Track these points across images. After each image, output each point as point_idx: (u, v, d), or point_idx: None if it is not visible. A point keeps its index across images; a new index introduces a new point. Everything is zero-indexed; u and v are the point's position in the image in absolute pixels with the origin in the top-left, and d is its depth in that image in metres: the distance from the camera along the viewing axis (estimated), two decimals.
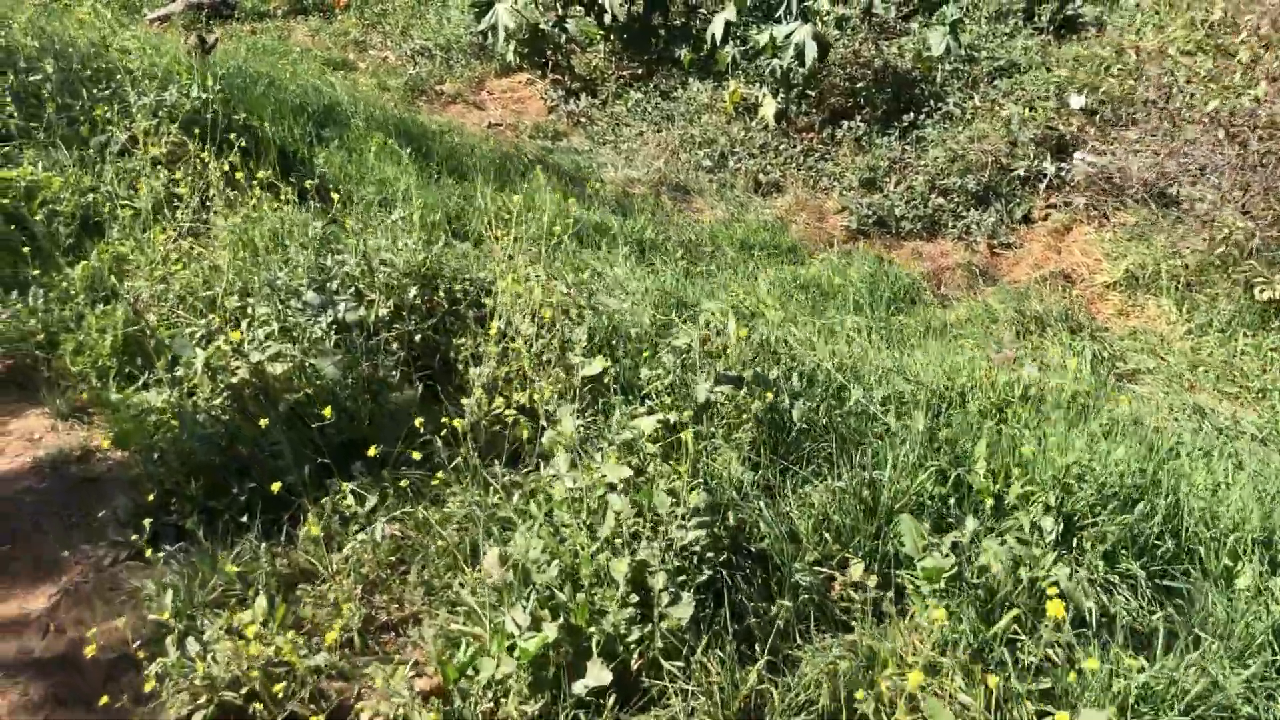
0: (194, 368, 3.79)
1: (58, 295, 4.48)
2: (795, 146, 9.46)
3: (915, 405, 4.09)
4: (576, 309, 4.29)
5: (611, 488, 3.04)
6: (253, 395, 3.80)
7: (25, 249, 4.82)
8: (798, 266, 7.57)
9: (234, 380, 3.80)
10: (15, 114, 5.60)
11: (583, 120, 10.54)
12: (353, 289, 4.21)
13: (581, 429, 3.51)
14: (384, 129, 7.76)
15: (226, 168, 5.65)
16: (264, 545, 3.33)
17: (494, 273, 4.40)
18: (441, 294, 4.33)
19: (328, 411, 3.59)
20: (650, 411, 3.61)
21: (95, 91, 6.35)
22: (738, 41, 10.28)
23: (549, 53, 11.19)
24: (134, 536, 3.47)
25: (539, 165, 8.56)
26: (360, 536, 3.27)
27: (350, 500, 3.41)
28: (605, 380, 3.88)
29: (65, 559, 3.42)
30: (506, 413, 3.77)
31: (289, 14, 13.19)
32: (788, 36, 9.14)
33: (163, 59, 8.21)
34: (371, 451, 3.48)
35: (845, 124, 9.56)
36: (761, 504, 3.22)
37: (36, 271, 4.64)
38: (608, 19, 10.60)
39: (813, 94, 9.75)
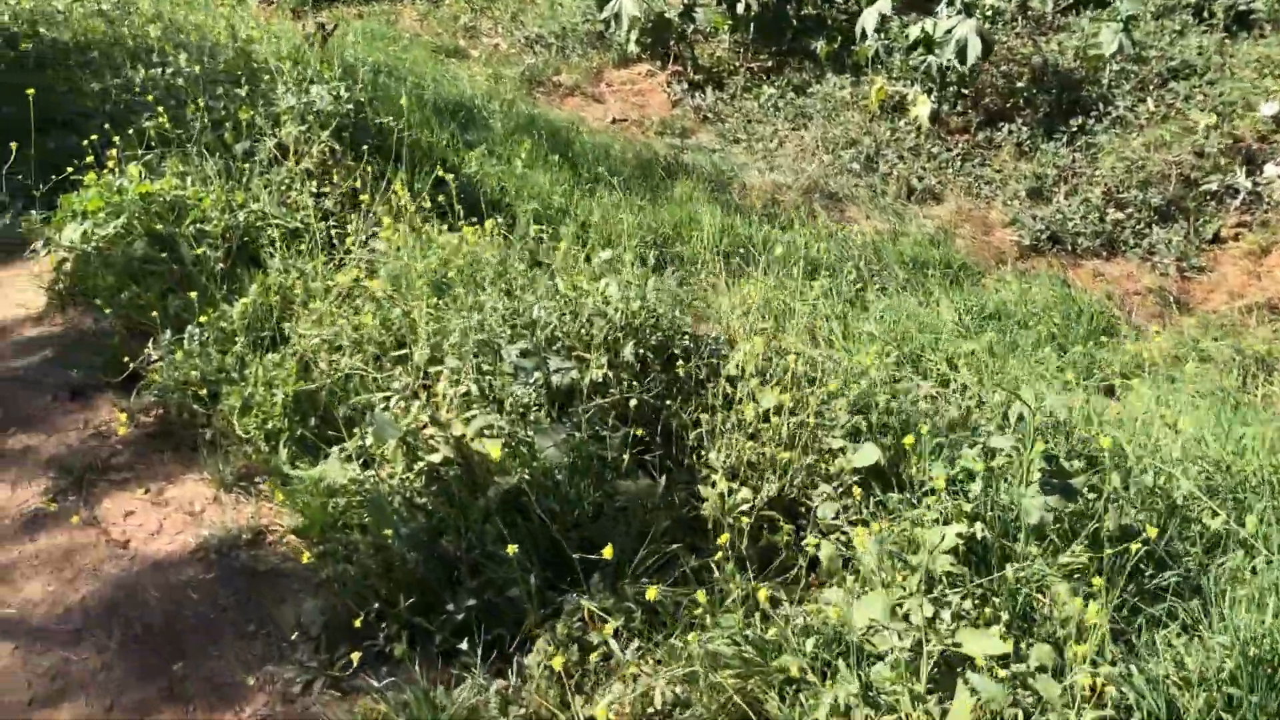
0: (388, 445, 3.12)
1: (214, 335, 3.84)
2: (950, 150, 8.57)
3: (1241, 504, 3.28)
4: (818, 370, 3.53)
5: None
6: (457, 477, 3.11)
7: (174, 275, 4.21)
8: (973, 288, 6.73)
9: (434, 458, 3.12)
10: (165, 118, 4.95)
11: (710, 116, 9.73)
12: (558, 344, 3.50)
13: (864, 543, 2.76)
14: (523, 130, 7.05)
15: (377, 179, 4.98)
16: (492, 686, 2.65)
17: (723, 325, 3.67)
18: (657, 348, 3.60)
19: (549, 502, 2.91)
20: (944, 520, 2.86)
21: (234, 90, 5.71)
22: (880, 34, 9.38)
23: (671, 43, 10.39)
24: (327, 657, 2.82)
25: (683, 171, 7.81)
26: (617, 688, 2.56)
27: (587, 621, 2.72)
28: (875, 469, 3.13)
29: (246, 684, 2.78)
30: (760, 509, 3.05)
31: None
32: (948, 32, 8.23)
33: (284, 47, 7.58)
34: (608, 553, 2.77)
35: (1004, 127, 8.64)
36: (1132, 669, 2.45)
37: (187, 304, 4.01)
38: (741, 8, 9.75)
39: (968, 93, 8.83)
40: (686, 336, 3.64)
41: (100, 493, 3.47)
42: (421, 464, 3.13)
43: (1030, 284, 6.78)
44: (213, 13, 9.39)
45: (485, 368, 3.44)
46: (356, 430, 3.42)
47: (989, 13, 8.68)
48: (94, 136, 5.00)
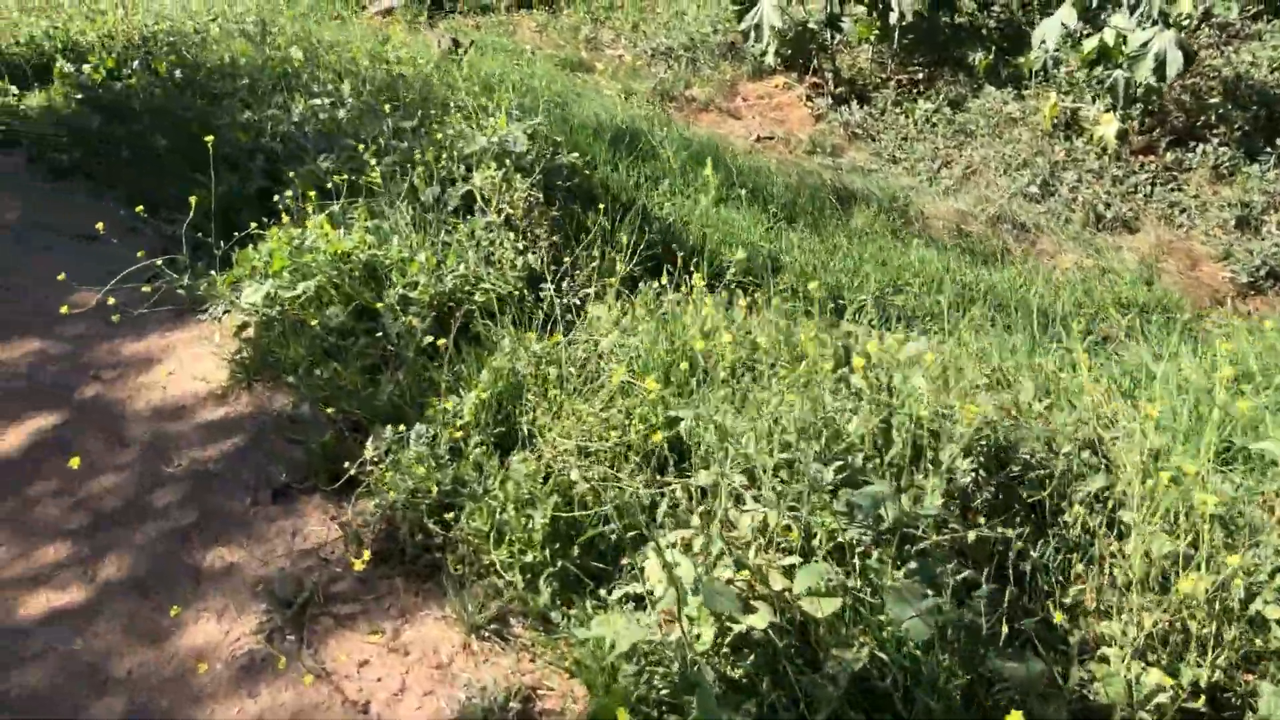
0: (690, 602, 2.43)
1: (441, 428, 3.19)
2: (1137, 173, 7.67)
3: None
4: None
5: None
6: (787, 649, 2.42)
7: (376, 350, 3.59)
8: (1199, 338, 5.87)
9: (754, 621, 2.43)
10: (339, 161, 4.35)
11: (859, 133, 8.95)
12: (870, 460, 2.79)
13: None
14: (692, 155, 6.35)
15: (580, 229, 4.33)
16: None
17: (1025, 412, 2.91)
18: (991, 460, 2.87)
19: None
20: None
21: (402, 123, 5.10)
22: (1044, 45, 8.49)
23: (812, 55, 9.61)
24: None
25: (853, 198, 7.05)
26: None
27: None
28: None
29: None
30: (1182, 700, 2.31)
31: (513, 7, 11.91)
32: (1144, 45, 7.33)
33: (426, 66, 6.98)
34: None
35: (1197, 147, 7.71)
36: None
37: (402, 389, 3.38)
38: (894, 18, 8.93)
39: (1154, 111, 7.92)
40: (1029, 446, 2.89)
41: (324, 632, 2.84)
42: (739, 627, 2.44)
43: (1261, 334, 5.89)
44: (352, 31, 8.85)
45: (779, 487, 2.75)
46: (627, 559, 2.76)
47: (1185, 21, 7.75)
48: (263, 182, 4.41)
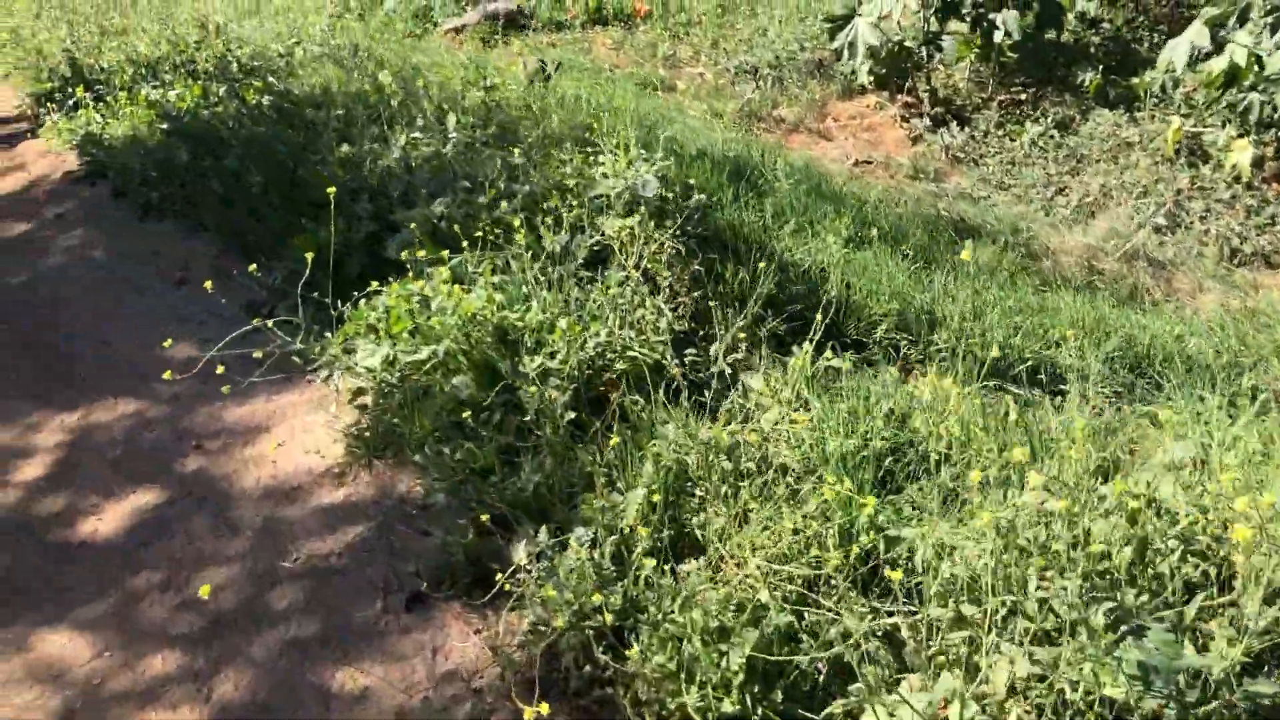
0: None
1: (601, 529, 2.73)
2: (1274, 203, 7.05)
3: None
4: None
5: None
6: None
7: (510, 427, 3.15)
8: None
9: None
10: (451, 212, 3.93)
11: (961, 156, 8.39)
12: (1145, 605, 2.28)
13: None
14: (805, 188, 5.85)
15: (717, 281, 3.87)
16: None
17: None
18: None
19: None
20: None
21: (510, 157, 4.67)
22: (1171, 67, 7.88)
23: (908, 74, 9.07)
24: None
25: (971, 231, 6.51)
26: None
27: None
28: None
29: None
30: None
31: (587, 24, 11.50)
32: None
33: (516, 90, 6.56)
34: None
35: None
36: None
37: (544, 474, 2.93)
38: (998, 36, 8.37)
39: None
40: None
41: None
42: None
43: None
44: (437, 53, 8.49)
45: (1025, 625, 2.25)
46: (840, 707, 2.28)
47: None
48: (370, 226, 4.00)
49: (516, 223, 3.95)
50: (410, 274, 3.90)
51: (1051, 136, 8.21)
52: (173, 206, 5.14)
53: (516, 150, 4.66)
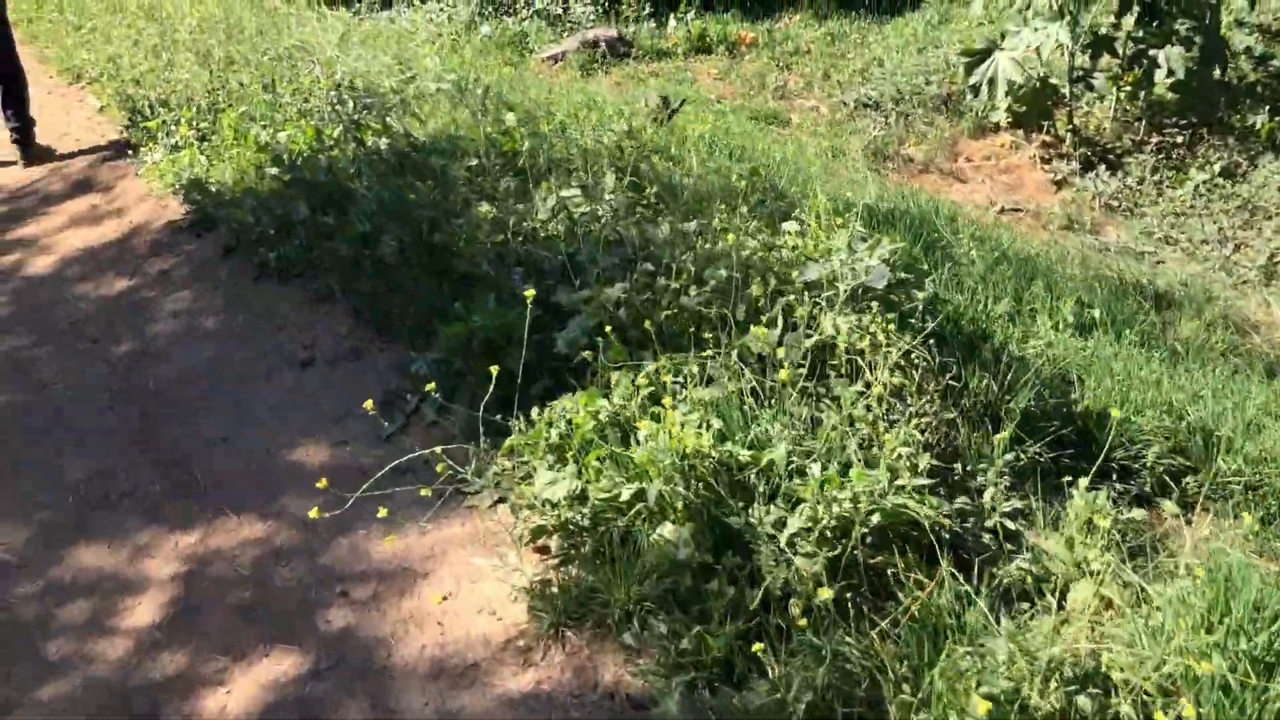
0: None
1: None
2: None
3: None
4: None
5: None
6: None
7: (742, 603, 2.41)
8: None
9: None
10: (629, 298, 3.20)
11: (1115, 205, 7.52)
12: None
13: None
14: (988, 251, 5.04)
15: (957, 395, 3.10)
16: None
17: None
18: None
19: None
20: None
21: (682, 224, 3.95)
22: None
23: (1050, 112, 8.21)
24: None
25: (1164, 300, 5.64)
26: None
27: None
28: None
29: None
30: None
31: (689, 52, 10.78)
32: None
33: (647, 131, 5.84)
34: None
35: None
36: None
37: (814, 688, 2.18)
38: (1159, 75, 7.49)
39: None
40: None
41: None
42: None
43: None
44: (548, 86, 7.83)
45: None
46: None
47: None
48: (533, 310, 3.29)
49: (711, 314, 3.22)
50: (590, 377, 3.19)
51: (1217, 185, 7.31)
52: (292, 269, 4.49)
53: (691, 221, 3.94)
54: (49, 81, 8.09)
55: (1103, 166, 7.83)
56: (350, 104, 5.69)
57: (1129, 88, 7.92)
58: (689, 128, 6.88)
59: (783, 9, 11.50)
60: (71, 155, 6.53)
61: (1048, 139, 8.34)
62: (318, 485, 2.83)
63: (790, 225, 3.84)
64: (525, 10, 11.46)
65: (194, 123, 5.95)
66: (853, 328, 3.00)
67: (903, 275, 3.24)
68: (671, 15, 11.00)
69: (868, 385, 2.88)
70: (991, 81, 7.90)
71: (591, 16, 11.32)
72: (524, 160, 5.02)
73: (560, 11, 11.47)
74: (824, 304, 3.19)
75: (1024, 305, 4.29)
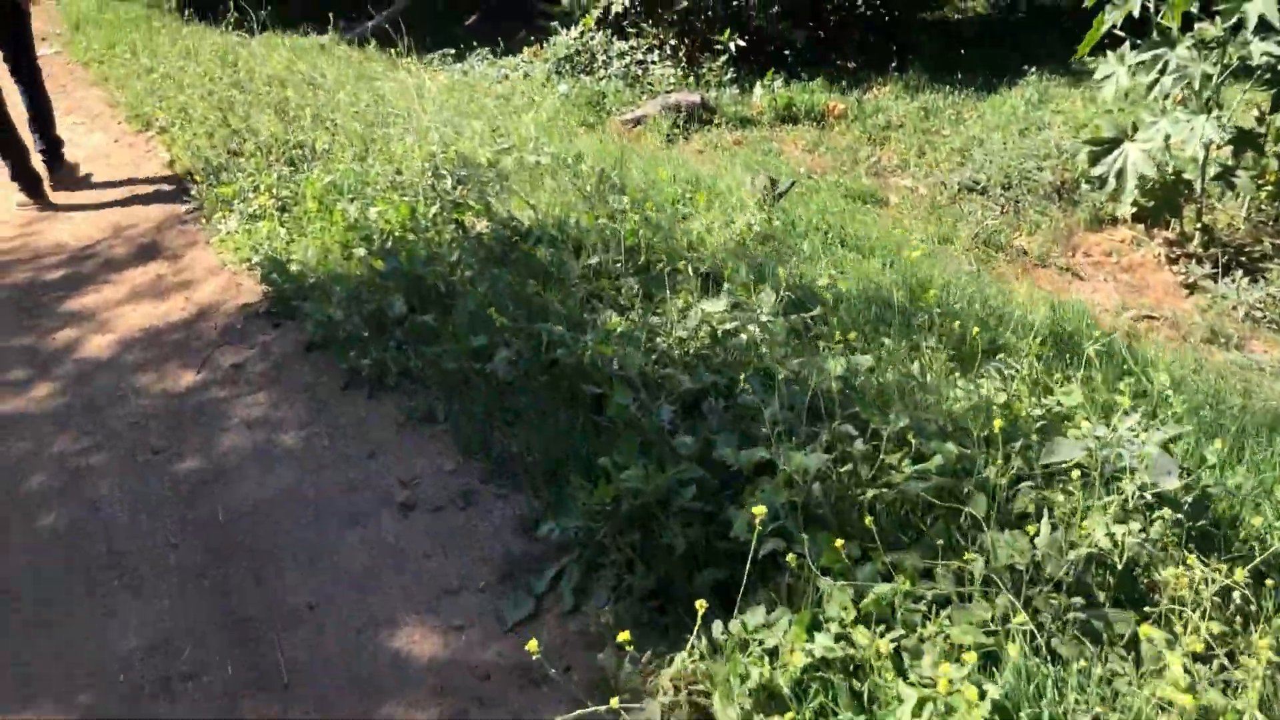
0: None
1: None
2: None
3: None
4: None
5: None
6: None
7: None
8: None
9: None
10: (825, 475, 2.50)
11: (1259, 314, 6.76)
12: None
13: None
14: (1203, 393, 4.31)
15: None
16: None
17: None
18: None
19: None
20: None
21: (857, 358, 3.25)
22: None
23: (1180, 208, 7.50)
24: None
25: None
26: None
27: None
28: None
29: None
30: None
31: (775, 121, 10.20)
32: None
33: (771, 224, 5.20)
34: None
35: None
36: None
37: None
38: None
39: None
40: None
41: None
42: None
43: None
44: (647, 157, 7.22)
45: None
46: None
47: None
48: (692, 472, 2.59)
49: (931, 504, 2.51)
50: (779, 574, 2.49)
51: None
52: (387, 378, 3.83)
53: (865, 355, 3.25)
54: (117, 129, 7.59)
55: (1239, 271, 7.09)
56: (448, 179, 5.08)
57: (1270, 187, 7.20)
58: (795, 209, 6.24)
59: (871, 80, 10.92)
60: (133, 208, 5.98)
61: (1172, 236, 7.62)
62: (429, 681, 2.13)
63: (1019, 371, 3.15)
64: (603, 70, 10.95)
65: (274, 190, 5.37)
66: (1141, 544, 2.27)
67: (1205, 476, 2.51)
68: (759, 83, 10.43)
69: (1171, 631, 2.15)
70: (1120, 173, 7.21)
71: (671, 80, 10.79)
72: (644, 256, 4.39)
73: (639, 73, 10.95)
74: (1077, 495, 2.47)
75: (1237, 460, 3.52)
